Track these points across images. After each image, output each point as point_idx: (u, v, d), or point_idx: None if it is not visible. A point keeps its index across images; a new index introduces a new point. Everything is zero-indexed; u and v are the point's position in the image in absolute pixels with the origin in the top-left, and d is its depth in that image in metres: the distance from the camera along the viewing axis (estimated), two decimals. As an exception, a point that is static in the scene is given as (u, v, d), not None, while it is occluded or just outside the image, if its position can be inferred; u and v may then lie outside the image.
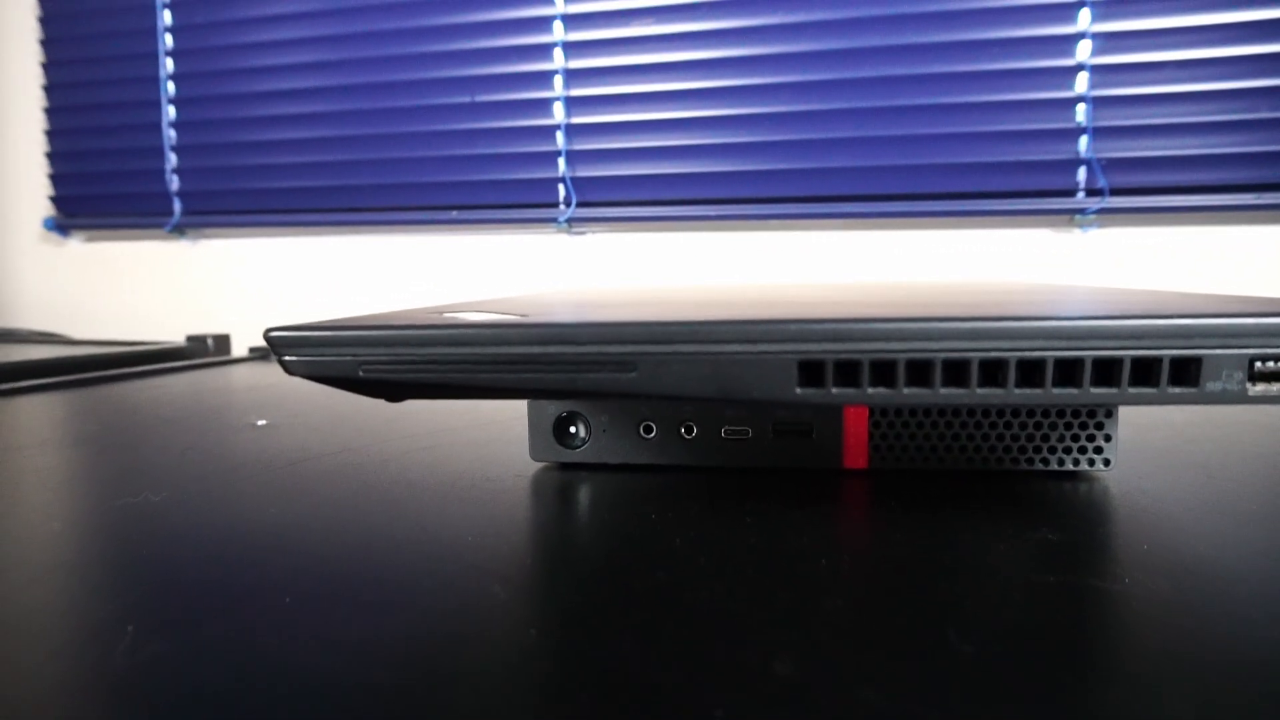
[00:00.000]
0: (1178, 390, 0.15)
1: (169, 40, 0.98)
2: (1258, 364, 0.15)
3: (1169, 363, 0.15)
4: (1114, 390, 0.16)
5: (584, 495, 0.26)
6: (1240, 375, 0.15)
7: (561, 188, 0.87)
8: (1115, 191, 0.75)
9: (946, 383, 0.16)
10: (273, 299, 0.99)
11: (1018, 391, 0.16)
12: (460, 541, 0.19)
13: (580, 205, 0.87)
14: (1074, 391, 0.16)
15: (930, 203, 0.79)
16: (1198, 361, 0.15)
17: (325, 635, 0.14)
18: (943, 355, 0.16)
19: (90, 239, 1.07)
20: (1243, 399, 0.15)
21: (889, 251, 0.81)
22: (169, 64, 0.98)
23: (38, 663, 0.13)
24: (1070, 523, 0.22)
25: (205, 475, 0.27)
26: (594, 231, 0.89)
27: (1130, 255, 0.76)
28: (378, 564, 0.17)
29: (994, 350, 0.16)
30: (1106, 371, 0.16)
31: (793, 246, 0.83)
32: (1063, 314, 0.16)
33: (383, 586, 0.16)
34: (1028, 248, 0.79)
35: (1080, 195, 0.76)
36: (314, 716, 0.11)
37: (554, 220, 0.87)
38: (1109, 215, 0.76)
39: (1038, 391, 0.16)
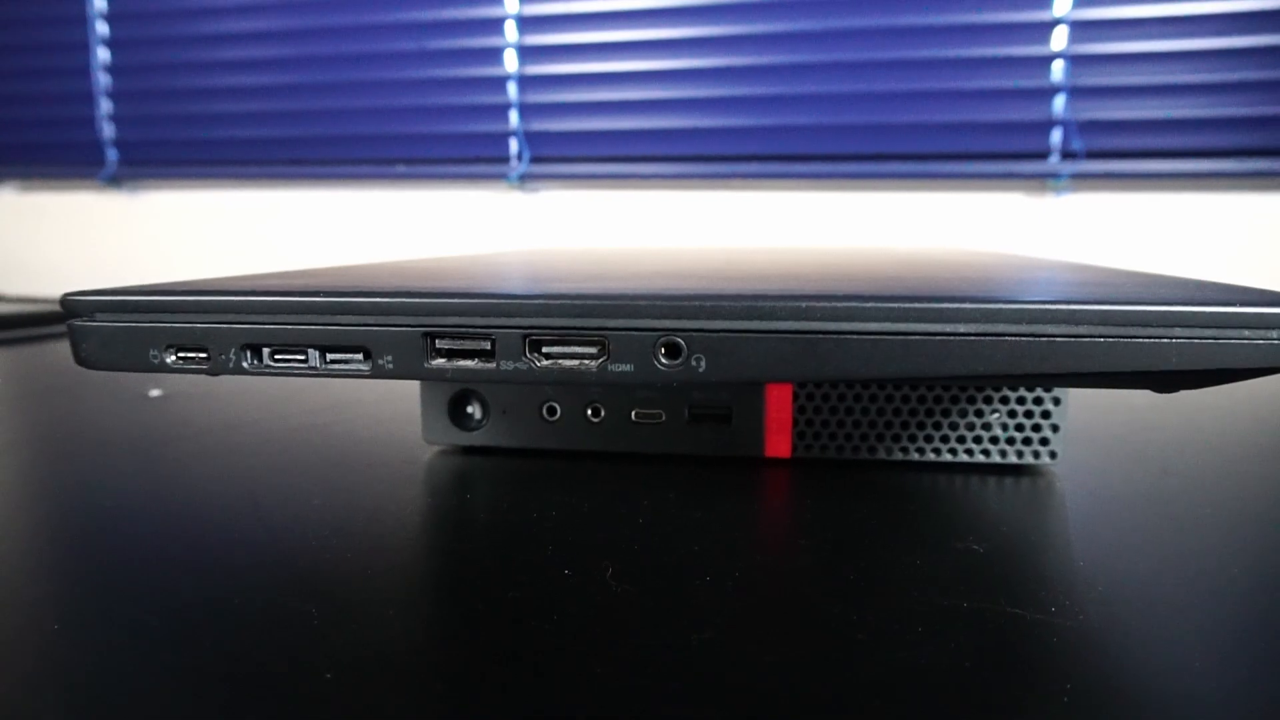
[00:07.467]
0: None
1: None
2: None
3: None
4: None
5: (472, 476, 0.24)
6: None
7: (514, 142, 0.83)
8: (1091, 155, 0.72)
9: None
10: (212, 254, 0.95)
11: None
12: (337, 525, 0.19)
13: (534, 161, 0.83)
14: None
15: (897, 164, 0.75)
16: None
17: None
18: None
19: (25, 189, 1.01)
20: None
21: (853, 214, 0.78)
22: (98, 2, 0.91)
23: None
24: (1001, 530, 0.19)
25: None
26: (548, 189, 0.85)
27: (1105, 222, 0.74)
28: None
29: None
30: None
31: (757, 207, 0.80)
32: None
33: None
34: (998, 212, 0.76)
35: (1054, 159, 0.73)
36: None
37: (504, 177, 0.83)
38: (1084, 180, 0.73)
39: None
